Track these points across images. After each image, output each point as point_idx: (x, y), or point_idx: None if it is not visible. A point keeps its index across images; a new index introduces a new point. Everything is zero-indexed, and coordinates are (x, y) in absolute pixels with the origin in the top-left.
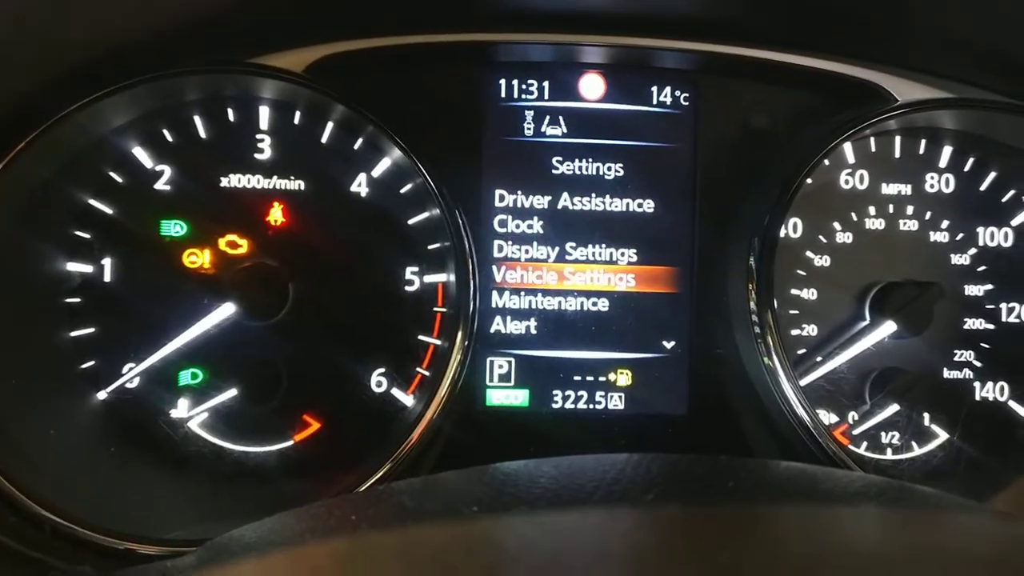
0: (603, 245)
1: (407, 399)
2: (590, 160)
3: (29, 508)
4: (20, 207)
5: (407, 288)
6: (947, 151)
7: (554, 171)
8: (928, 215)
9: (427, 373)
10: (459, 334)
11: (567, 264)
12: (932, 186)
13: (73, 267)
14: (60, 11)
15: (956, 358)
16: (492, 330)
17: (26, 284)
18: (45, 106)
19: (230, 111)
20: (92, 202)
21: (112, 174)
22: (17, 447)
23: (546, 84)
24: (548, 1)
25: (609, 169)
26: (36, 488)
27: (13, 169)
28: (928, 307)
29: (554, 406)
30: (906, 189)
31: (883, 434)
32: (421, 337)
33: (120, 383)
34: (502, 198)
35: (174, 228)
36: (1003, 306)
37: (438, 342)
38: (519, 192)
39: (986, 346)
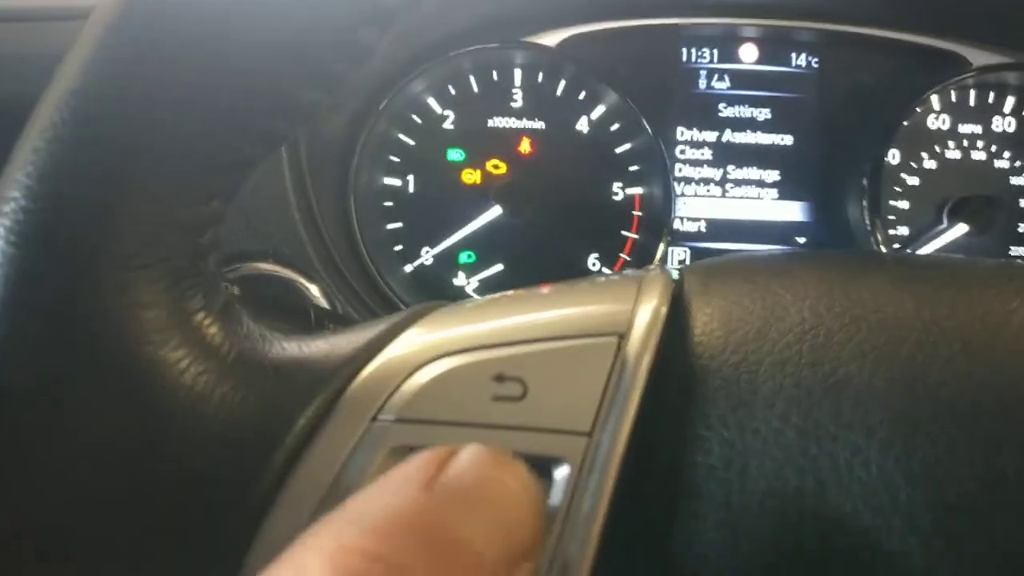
0: (754, 168)
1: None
2: (746, 106)
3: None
4: (369, 148)
5: (614, 197)
6: (1011, 100)
7: (720, 114)
8: (994, 147)
9: (628, 258)
10: (664, 232)
11: (728, 182)
12: (998, 126)
13: (388, 181)
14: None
15: (1012, 253)
16: (675, 228)
17: (368, 194)
18: (387, 84)
19: (494, 73)
20: (401, 137)
21: (414, 116)
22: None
23: (715, 51)
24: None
25: (760, 112)
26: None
27: (371, 125)
28: (991, 214)
29: None
30: (978, 128)
31: None
32: (623, 232)
33: (419, 262)
34: (683, 133)
35: (455, 155)
36: None
37: (636, 236)
38: (695, 128)
39: None
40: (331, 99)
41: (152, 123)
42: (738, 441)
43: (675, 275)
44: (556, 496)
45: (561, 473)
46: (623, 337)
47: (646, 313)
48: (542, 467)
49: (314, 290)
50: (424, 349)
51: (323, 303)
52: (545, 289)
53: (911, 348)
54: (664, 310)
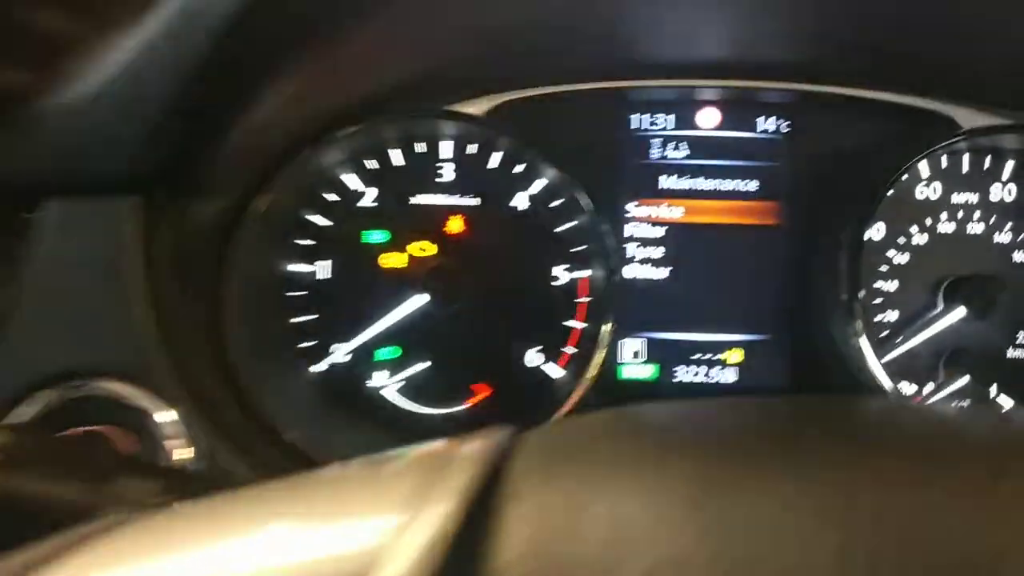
0: (716, 247)
1: (558, 372)
2: (707, 177)
3: (285, 439)
4: (266, 228)
5: (555, 283)
6: (1009, 165)
7: (675, 187)
8: (992, 219)
9: (574, 351)
10: (606, 322)
11: (686, 263)
12: (996, 195)
13: (295, 268)
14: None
15: (1018, 340)
16: (627, 316)
17: (267, 281)
18: (288, 153)
19: (419, 144)
20: (311, 217)
21: (327, 195)
22: (274, 401)
23: (671, 117)
24: (673, 56)
25: (722, 184)
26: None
27: (265, 203)
28: (993, 296)
29: (676, 380)
30: (973, 198)
31: (953, 403)
32: (568, 322)
33: (332, 359)
34: (633, 209)
35: (375, 236)
36: None
37: (583, 326)
38: (647, 204)
39: None
40: None
41: None
42: None
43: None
44: None
45: None
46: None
47: (414, 540)
48: None
49: (161, 416)
50: None
51: (175, 432)
52: (293, 485)
53: None
54: (448, 531)
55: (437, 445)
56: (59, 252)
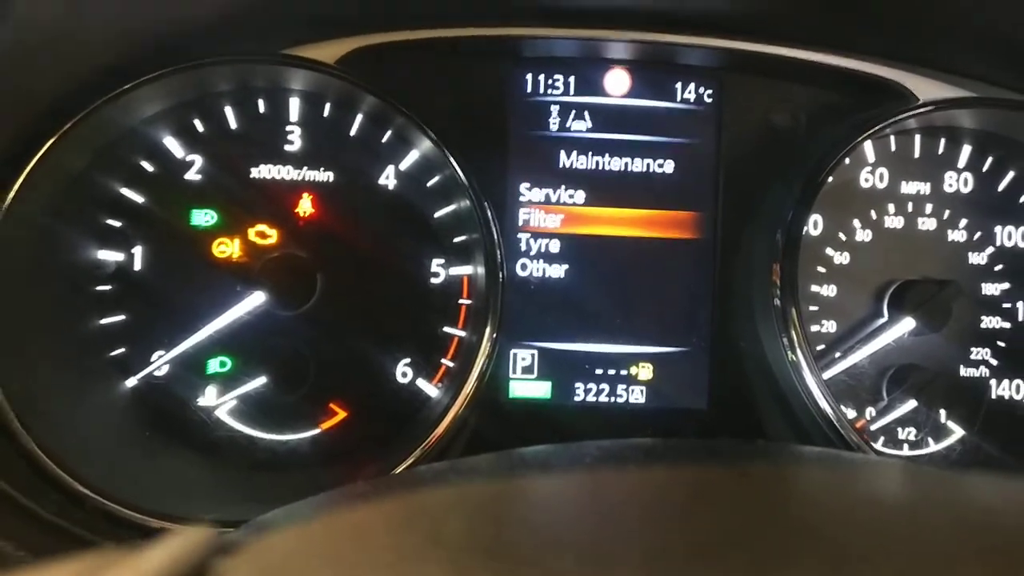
0: (624, 239)
1: (432, 390)
2: (615, 155)
3: (70, 486)
4: (53, 198)
5: (432, 280)
6: (966, 151)
7: (578, 166)
8: (946, 214)
9: (452, 364)
10: (487, 327)
11: (585, 258)
12: (951, 185)
13: (104, 255)
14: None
15: (973, 356)
16: (515, 323)
17: (58, 272)
18: (76, 100)
19: (260, 102)
20: (123, 191)
21: (143, 163)
22: (56, 429)
23: (572, 79)
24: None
25: (633, 163)
26: (77, 467)
27: (46, 161)
28: (946, 305)
29: (576, 399)
30: (925, 188)
31: (900, 429)
32: (446, 329)
33: (149, 371)
34: (527, 192)
35: (204, 217)
36: (1020, 305)
37: (463, 334)
38: (544, 186)
39: (1003, 344)
40: None
41: None
42: None
43: None
44: None
45: None
46: None
47: None
48: None
49: None
50: None
51: None
52: None
53: None
54: None
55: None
56: None
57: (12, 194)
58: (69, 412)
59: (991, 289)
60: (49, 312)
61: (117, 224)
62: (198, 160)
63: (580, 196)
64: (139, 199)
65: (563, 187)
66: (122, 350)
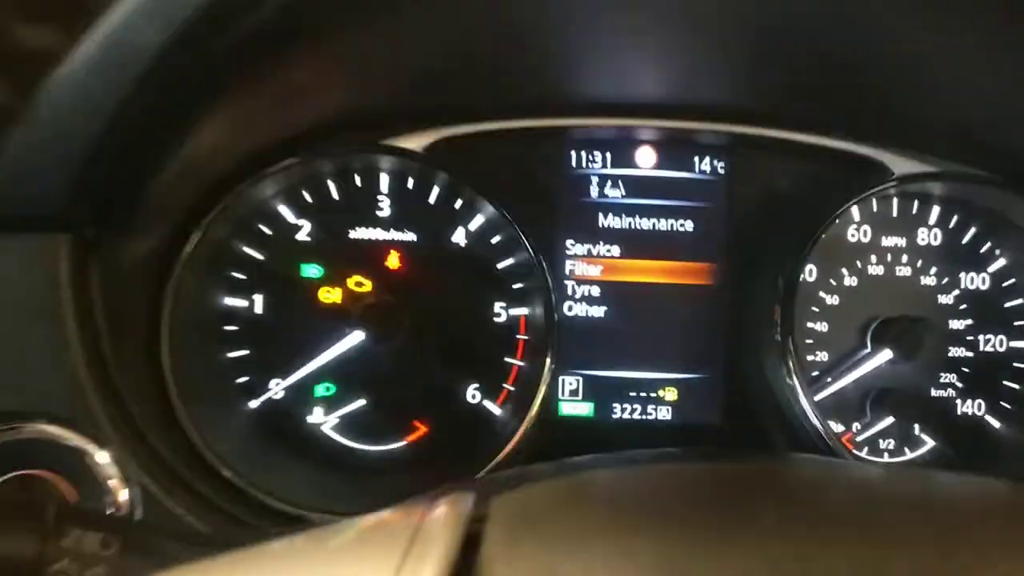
0: (653, 284)
1: (496, 409)
2: (644, 217)
3: (235, 482)
4: (202, 262)
5: (496, 319)
6: (936, 211)
7: (614, 226)
8: (920, 263)
9: (512, 388)
10: (547, 358)
11: (624, 301)
12: (923, 239)
13: (231, 301)
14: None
15: (941, 380)
16: (564, 354)
17: (200, 315)
18: (223, 185)
19: (357, 178)
20: (247, 250)
21: (263, 228)
22: (211, 438)
23: (608, 155)
24: (612, 95)
25: (659, 223)
26: (236, 466)
27: (201, 237)
28: (919, 338)
29: (614, 416)
30: (901, 241)
31: (880, 440)
32: (507, 359)
33: (268, 395)
34: (571, 247)
35: (312, 270)
36: (981, 337)
37: (521, 363)
38: (586, 242)
39: (966, 370)
40: None
41: None
42: None
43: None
44: None
45: None
46: None
47: None
48: None
49: (100, 458)
50: None
51: (110, 474)
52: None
53: None
54: None
55: (410, 510)
56: None
57: (179, 266)
58: (218, 426)
59: (957, 324)
60: (195, 345)
61: (242, 276)
62: (307, 224)
63: (616, 250)
64: (260, 256)
65: (602, 243)
66: (246, 378)
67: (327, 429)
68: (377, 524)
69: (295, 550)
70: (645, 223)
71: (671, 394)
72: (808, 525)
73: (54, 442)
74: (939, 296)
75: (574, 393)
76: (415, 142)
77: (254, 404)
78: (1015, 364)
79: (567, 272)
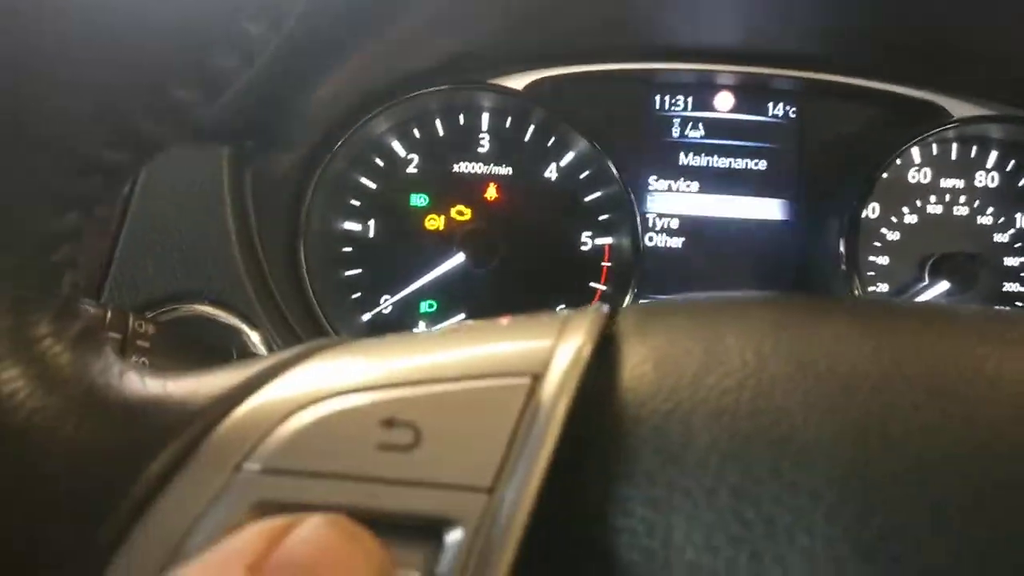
0: (729, 219)
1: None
2: (721, 156)
3: None
4: (329, 185)
5: (582, 248)
6: (994, 155)
7: (694, 164)
8: (977, 203)
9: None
10: (631, 284)
11: (701, 234)
12: (980, 181)
13: (348, 225)
14: (363, 62)
15: None
16: (645, 281)
17: (326, 238)
18: (340, 123)
19: (461, 116)
20: (362, 179)
21: (377, 160)
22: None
23: (690, 99)
24: (694, 42)
25: (735, 163)
26: None
27: (330, 163)
28: (974, 272)
29: None
30: (960, 183)
31: None
32: (592, 284)
33: (378, 310)
34: (654, 182)
35: (419, 200)
36: None
37: (605, 288)
38: (667, 178)
39: (1019, 304)
40: (214, 101)
41: None
42: (665, 502)
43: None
44: (445, 566)
45: (453, 537)
46: (537, 378)
47: (568, 351)
48: (432, 530)
49: (255, 338)
50: (305, 390)
51: (262, 351)
52: (461, 325)
53: (866, 397)
54: (588, 348)
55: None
56: (162, 191)
57: (312, 184)
58: (342, 326)
59: (1012, 261)
60: (325, 265)
61: (357, 203)
62: (415, 158)
63: (695, 186)
64: (373, 185)
65: (682, 179)
66: (359, 294)
67: None
68: (531, 316)
69: (445, 332)
70: (722, 162)
71: None
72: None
73: (216, 321)
74: (995, 235)
75: None
76: (516, 82)
77: (366, 317)
78: None
79: (649, 205)
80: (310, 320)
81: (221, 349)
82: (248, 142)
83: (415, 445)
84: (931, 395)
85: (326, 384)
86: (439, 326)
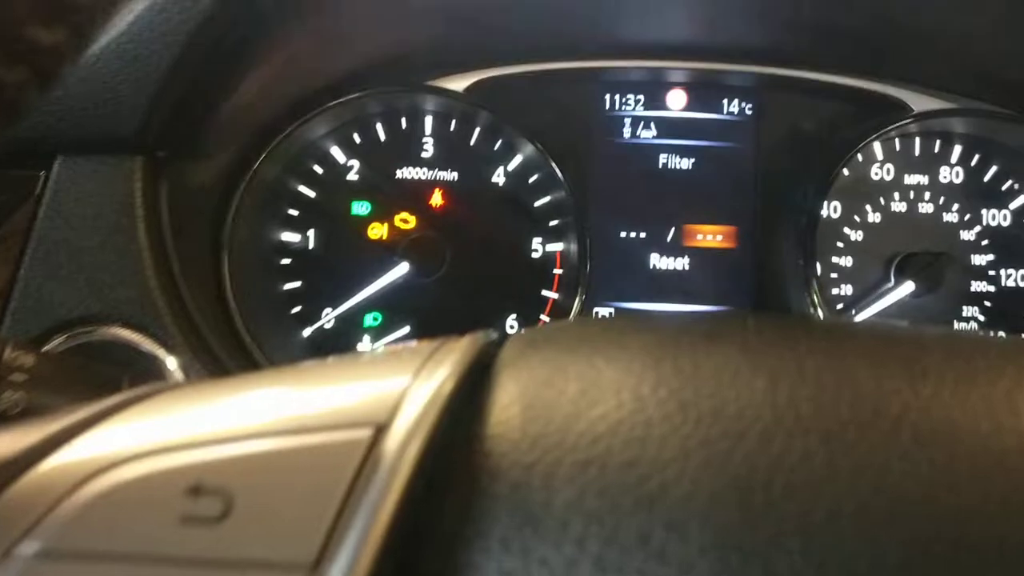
0: (683, 222)
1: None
2: (675, 156)
3: None
4: (259, 195)
5: (533, 255)
6: (957, 150)
7: (646, 165)
8: (941, 200)
9: (549, 320)
10: (578, 291)
11: (654, 237)
12: (945, 177)
13: (285, 236)
14: (295, 63)
15: (964, 313)
16: (598, 288)
17: (258, 249)
18: (274, 125)
19: (403, 120)
20: (301, 188)
21: (316, 167)
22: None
23: (641, 98)
24: (644, 38)
25: (690, 163)
26: None
27: (258, 170)
28: (941, 272)
29: None
30: (924, 179)
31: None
32: (544, 292)
33: (319, 325)
34: (606, 186)
35: (361, 208)
36: (1003, 272)
37: (557, 296)
38: (619, 181)
39: (988, 304)
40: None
41: None
42: (520, 573)
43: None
44: None
45: None
46: (382, 429)
47: (423, 393)
48: None
49: (171, 363)
50: (105, 451)
51: (179, 378)
52: (310, 364)
53: (753, 446)
54: (450, 387)
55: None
56: (69, 208)
57: (238, 195)
58: (276, 350)
59: (979, 259)
60: (254, 278)
61: (295, 213)
62: (356, 164)
63: (647, 189)
64: (312, 194)
65: (635, 180)
66: (299, 309)
67: None
68: (397, 347)
69: (285, 374)
70: (675, 163)
71: None
72: (812, 344)
73: (128, 345)
74: (961, 232)
75: None
76: (457, 83)
77: (307, 332)
78: None
79: (600, 210)
80: (234, 341)
81: (116, 380)
82: (162, 152)
83: (225, 516)
84: (825, 441)
85: (130, 444)
86: (287, 368)
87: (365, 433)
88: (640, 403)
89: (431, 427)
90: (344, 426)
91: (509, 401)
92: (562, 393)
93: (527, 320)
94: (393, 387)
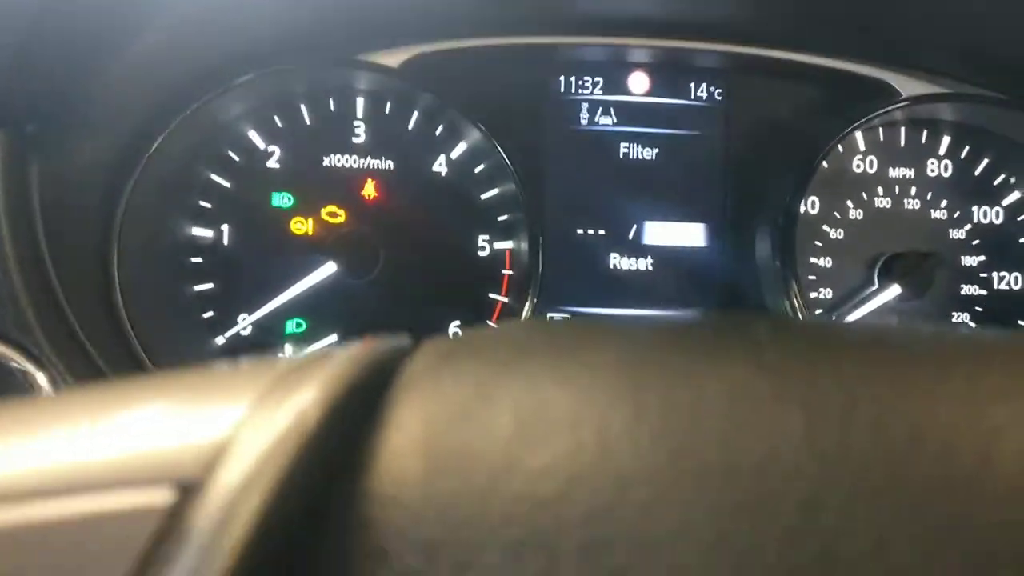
0: (645, 219)
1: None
2: (636, 145)
3: None
4: (159, 183)
5: (479, 253)
6: (946, 140)
7: (604, 155)
8: (929, 195)
9: (496, 326)
10: (529, 293)
11: (613, 236)
12: (933, 170)
13: (196, 231)
14: (197, 26)
15: (954, 319)
16: (551, 290)
17: (161, 246)
18: (177, 102)
19: (331, 101)
20: (213, 177)
21: (231, 153)
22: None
23: (600, 80)
24: (603, 11)
25: (653, 153)
26: None
27: (156, 153)
28: (929, 274)
29: None
30: (910, 173)
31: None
32: (491, 295)
33: (235, 331)
34: (560, 177)
35: (283, 200)
36: (995, 275)
37: (506, 300)
38: (575, 172)
39: (980, 309)
40: None
41: None
42: None
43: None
44: None
45: None
46: (189, 489)
47: (256, 437)
48: None
49: (41, 379)
50: None
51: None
52: (132, 382)
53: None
54: (303, 427)
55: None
56: None
57: (132, 182)
58: (178, 358)
59: (970, 261)
60: (160, 279)
61: (208, 205)
62: (277, 151)
63: (608, 180)
64: (227, 184)
65: (592, 174)
66: (212, 313)
67: None
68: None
69: (117, 390)
70: (638, 153)
71: None
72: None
73: None
74: (950, 230)
75: None
76: (391, 58)
77: (220, 341)
78: None
79: (554, 204)
80: (124, 352)
81: None
82: (31, 126)
83: None
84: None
85: None
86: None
87: (162, 495)
88: (608, 449)
89: (267, 487)
90: (137, 483)
91: (404, 443)
92: (487, 432)
93: (472, 326)
94: (215, 426)
